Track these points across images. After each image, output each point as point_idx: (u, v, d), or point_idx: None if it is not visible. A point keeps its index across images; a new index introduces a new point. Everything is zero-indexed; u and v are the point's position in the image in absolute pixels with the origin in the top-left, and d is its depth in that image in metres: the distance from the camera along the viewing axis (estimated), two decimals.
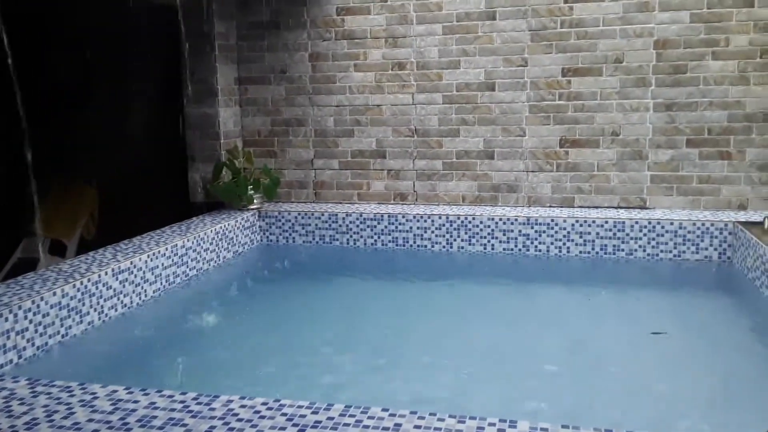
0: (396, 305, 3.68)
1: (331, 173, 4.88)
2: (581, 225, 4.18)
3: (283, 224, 4.70)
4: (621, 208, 4.35)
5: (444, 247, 4.43)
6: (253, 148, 4.93)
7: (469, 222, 4.37)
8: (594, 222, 4.16)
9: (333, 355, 2.90)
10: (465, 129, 4.57)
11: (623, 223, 4.11)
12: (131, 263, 3.30)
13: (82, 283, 2.94)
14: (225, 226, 4.26)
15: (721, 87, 4.11)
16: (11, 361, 2.54)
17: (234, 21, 4.82)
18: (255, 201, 4.68)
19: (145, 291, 3.41)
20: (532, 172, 4.50)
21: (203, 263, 3.98)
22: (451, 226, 4.40)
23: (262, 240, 4.72)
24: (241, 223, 4.47)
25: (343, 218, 4.58)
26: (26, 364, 2.60)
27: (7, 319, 2.51)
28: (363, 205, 4.75)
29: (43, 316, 2.71)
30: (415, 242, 4.48)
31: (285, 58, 4.82)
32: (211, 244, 4.08)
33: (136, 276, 3.33)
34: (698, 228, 4.01)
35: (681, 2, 4.10)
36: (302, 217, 4.65)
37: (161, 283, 3.55)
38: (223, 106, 4.78)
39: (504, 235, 4.32)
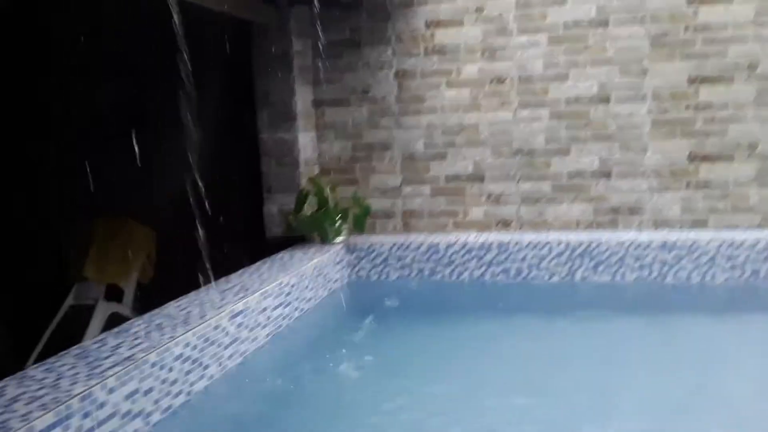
0: (528, 347, 3.15)
1: (421, 200, 4.38)
2: (728, 248, 3.69)
3: (374, 258, 4.17)
4: (763, 228, 3.88)
5: (565, 277, 3.91)
6: (331, 176, 4.44)
7: (594, 248, 3.87)
8: (742, 244, 3.67)
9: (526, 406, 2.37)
10: (577, 147, 4.11)
11: None
12: (245, 305, 2.76)
13: (202, 328, 2.40)
14: (320, 261, 3.73)
15: None
16: (136, 430, 1.98)
17: (309, 40, 4.39)
18: (342, 233, 4.17)
19: (257, 336, 2.86)
20: (657, 191, 4.03)
21: (304, 303, 3.44)
22: (572, 253, 3.89)
23: (351, 276, 4.18)
24: (332, 258, 3.94)
25: (445, 249, 4.07)
26: None
27: (133, 377, 1.96)
28: (465, 233, 4.24)
29: (169, 370, 2.16)
30: (529, 273, 3.96)
31: (367, 77, 4.37)
32: (310, 281, 3.55)
33: (249, 319, 2.79)
34: None
35: None
36: (397, 249, 4.13)
37: (271, 327, 3.00)
38: (302, 131, 4.30)
39: (636, 261, 3.82)
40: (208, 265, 3.56)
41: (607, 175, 4.09)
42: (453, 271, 4.06)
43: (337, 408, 2.54)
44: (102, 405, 1.78)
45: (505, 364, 2.94)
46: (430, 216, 4.38)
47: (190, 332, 2.31)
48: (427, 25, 4.24)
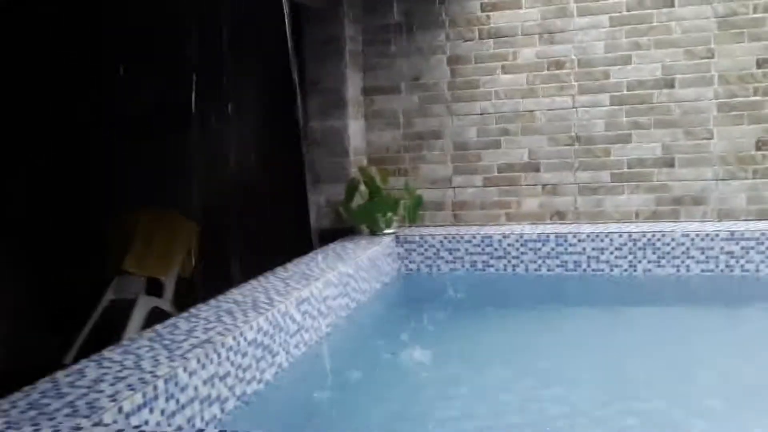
0: (600, 340, 3.00)
1: (473, 191, 4.24)
2: None
3: (426, 250, 4.04)
4: None
5: (626, 270, 3.75)
6: (379, 166, 4.31)
7: (658, 240, 3.70)
8: None
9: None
10: (638, 134, 3.95)
11: None
12: (310, 292, 2.64)
13: (273, 315, 2.28)
14: (373, 252, 3.61)
15: None
16: (215, 416, 1.86)
17: (360, 24, 4.27)
18: (392, 225, 4.04)
19: (320, 325, 2.74)
20: (723, 180, 3.86)
21: (360, 294, 3.32)
22: (634, 245, 3.73)
23: (401, 268, 4.05)
24: (383, 250, 3.82)
25: (500, 241, 3.92)
26: (231, 420, 1.93)
27: (212, 361, 1.85)
28: (518, 225, 4.10)
29: (243, 356, 2.04)
30: (589, 266, 3.80)
31: (419, 63, 4.25)
32: (366, 272, 3.43)
33: (313, 308, 2.67)
34: None
35: None
36: (449, 242, 3.99)
37: (332, 317, 2.88)
38: (352, 119, 4.19)
39: (702, 253, 3.65)
40: (253, 257, 3.48)
41: (671, 163, 3.92)
42: (507, 263, 3.92)
43: (405, 393, 2.43)
44: (184, 388, 1.67)
45: (566, 356, 2.78)
46: (482, 207, 4.24)
47: (262, 318, 2.20)
48: (483, 7, 4.11)
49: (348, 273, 3.16)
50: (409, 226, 4.17)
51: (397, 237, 4.03)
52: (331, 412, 2.24)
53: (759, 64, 3.74)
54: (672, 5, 3.83)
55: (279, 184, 4.27)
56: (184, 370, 1.69)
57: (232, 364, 1.96)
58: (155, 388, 1.52)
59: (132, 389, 1.48)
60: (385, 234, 4.01)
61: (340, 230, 4.14)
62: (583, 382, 2.47)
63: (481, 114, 4.17)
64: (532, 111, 4.09)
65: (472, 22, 4.13)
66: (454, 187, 4.27)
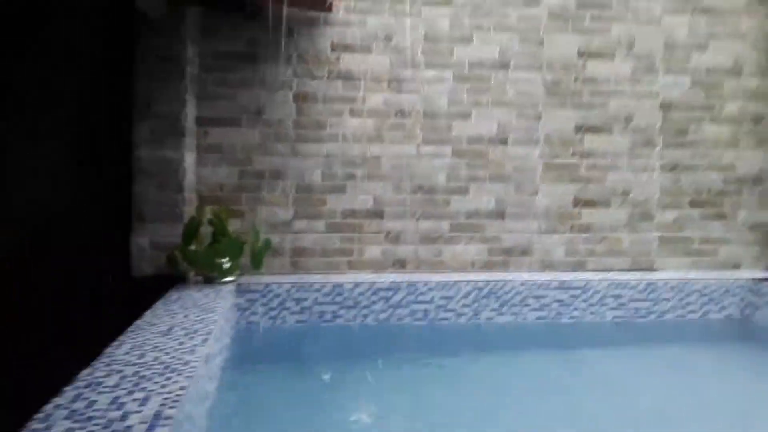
0: (442, 392, 3.02)
1: (315, 237, 4.02)
2: (616, 287, 3.95)
3: (270, 300, 3.69)
4: (632, 270, 4.23)
5: (471, 318, 3.85)
6: (211, 206, 3.87)
7: (500, 288, 3.87)
8: (628, 284, 3.96)
9: None
10: (475, 186, 4.12)
11: (655, 284, 3.98)
12: (209, 349, 2.19)
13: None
14: (225, 303, 3.17)
15: (716, 150, 4.30)
16: None
17: (197, 47, 3.83)
18: (233, 272, 3.62)
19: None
20: (546, 233, 4.20)
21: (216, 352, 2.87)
22: (479, 293, 3.85)
23: (240, 321, 3.64)
24: (225, 302, 3.39)
25: (351, 289, 3.76)
26: None
27: None
28: (372, 273, 3.98)
29: None
30: (437, 315, 3.82)
31: (262, 96, 3.94)
32: (223, 326, 2.99)
33: (209, 369, 2.21)
34: (722, 287, 4.03)
35: (683, 67, 4.25)
36: (297, 291, 3.71)
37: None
38: (189, 150, 3.71)
39: (537, 301, 3.90)
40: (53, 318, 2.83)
41: (502, 215, 4.16)
42: (357, 314, 3.76)
43: None
44: None
45: (415, 411, 2.74)
46: (323, 254, 4.04)
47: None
48: (333, 47, 3.98)
49: (218, 329, 2.71)
50: (242, 275, 3.78)
51: (238, 285, 3.62)
52: None
53: (577, 130, 4.19)
54: (508, 68, 4.12)
55: (90, 223, 3.57)
56: None
57: None
58: None
59: None
60: (224, 282, 3.58)
61: (166, 278, 3.59)
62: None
63: (327, 156, 4.00)
64: (378, 157, 4.04)
65: (322, 61, 3.97)
66: (294, 232, 4.00)
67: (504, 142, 4.13)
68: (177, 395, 1.67)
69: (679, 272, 4.17)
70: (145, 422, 1.48)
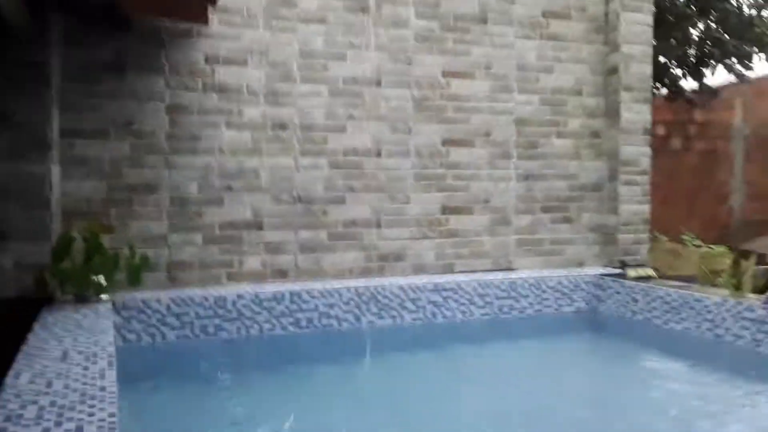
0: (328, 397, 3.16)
1: (192, 250, 3.95)
2: (483, 287, 4.28)
3: (148, 317, 3.58)
4: (493, 270, 4.60)
5: (352, 323, 3.98)
6: (78, 222, 3.67)
7: (379, 293, 4.04)
8: (492, 284, 4.30)
9: None
10: (352, 196, 4.27)
11: (515, 282, 4.36)
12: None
13: None
14: (107, 323, 3.05)
15: (562, 161, 4.80)
16: None
17: (62, 56, 3.63)
18: (108, 290, 3.47)
19: None
20: (417, 239, 4.44)
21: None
22: (360, 299, 4.00)
23: (115, 341, 3.48)
24: (108, 321, 3.25)
25: (234, 302, 3.74)
26: None
27: None
28: (250, 285, 3.97)
29: None
30: (320, 321, 3.91)
31: (132, 108, 3.81)
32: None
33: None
34: (571, 283, 4.51)
35: (533, 87, 4.70)
36: (177, 306, 3.63)
37: None
38: (55, 164, 3.50)
39: (413, 304, 4.12)
40: None
41: (378, 224, 4.34)
42: (241, 326, 3.75)
43: None
44: None
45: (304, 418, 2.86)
46: (201, 267, 3.98)
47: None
48: (207, 59, 3.94)
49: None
50: (129, 292, 3.64)
51: (114, 303, 3.47)
52: None
53: (443, 143, 4.48)
54: (380, 85, 4.32)
55: None
56: None
57: None
58: None
59: None
60: (98, 301, 3.42)
61: (32, 300, 3.36)
62: None
63: (203, 169, 3.95)
64: (255, 169, 4.06)
65: (196, 73, 3.92)
66: (170, 246, 3.90)
67: (378, 154, 4.33)
68: (110, 423, 1.63)
69: (534, 271, 4.60)
70: None
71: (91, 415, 1.74)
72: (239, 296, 3.75)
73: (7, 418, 1.70)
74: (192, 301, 3.67)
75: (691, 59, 7.29)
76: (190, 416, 2.85)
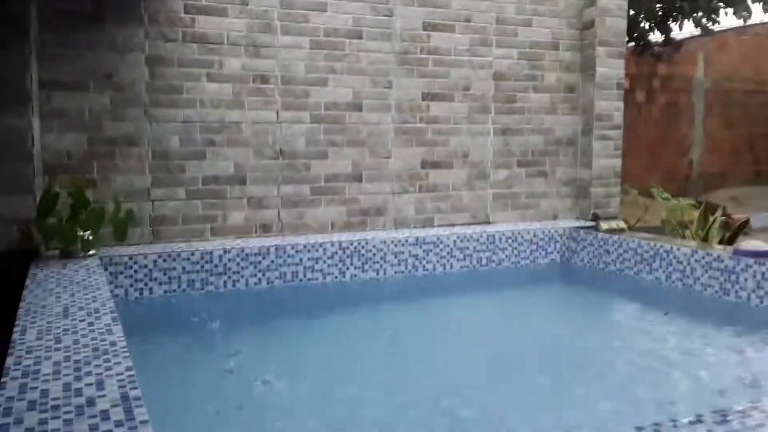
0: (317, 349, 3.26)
1: (175, 205, 3.93)
2: (462, 241, 4.38)
3: (136, 272, 3.59)
4: (471, 224, 4.70)
5: (336, 277, 4.05)
6: (59, 175, 3.61)
7: (362, 247, 4.11)
8: (471, 237, 4.41)
9: None
10: (334, 151, 4.28)
11: (494, 235, 4.48)
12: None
13: None
14: (89, 281, 3.05)
15: (538, 115, 4.87)
16: None
17: (38, 5, 3.49)
18: (95, 244, 3.45)
19: None
20: (398, 194, 4.50)
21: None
22: (344, 253, 4.06)
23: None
24: (101, 277, 3.24)
25: (220, 256, 3.76)
26: None
27: None
28: (234, 239, 3.99)
29: None
30: (305, 275, 3.97)
31: (112, 59, 3.71)
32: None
33: None
34: (546, 236, 4.65)
35: (511, 40, 4.73)
36: (164, 261, 3.64)
37: None
38: (36, 116, 3.41)
39: (396, 257, 4.21)
40: None
41: (359, 178, 4.37)
42: (227, 280, 3.79)
43: None
44: None
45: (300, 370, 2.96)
46: (185, 222, 3.97)
47: None
48: (187, 9, 3.85)
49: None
50: (114, 246, 3.62)
51: (101, 259, 3.45)
52: None
53: (424, 97, 4.50)
54: (361, 37, 4.29)
55: None
56: None
57: None
58: None
59: None
60: (85, 256, 3.40)
61: (16, 254, 3.33)
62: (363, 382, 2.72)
63: (184, 122, 3.90)
64: (238, 123, 4.03)
65: (176, 23, 3.83)
66: (153, 200, 3.87)
67: (359, 108, 4.33)
68: (129, 376, 1.67)
69: (510, 224, 4.72)
70: (117, 405, 1.49)
71: (108, 369, 1.77)
72: (225, 251, 3.78)
73: (25, 374, 1.72)
74: (179, 256, 3.67)
75: (659, 12, 7.40)
76: (183, 368, 2.91)
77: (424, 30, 4.46)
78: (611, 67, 4.91)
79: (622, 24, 4.94)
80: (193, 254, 3.70)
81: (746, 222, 5.14)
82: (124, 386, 1.60)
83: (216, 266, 3.75)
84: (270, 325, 3.61)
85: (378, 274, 4.16)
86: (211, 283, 3.75)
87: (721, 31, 8.63)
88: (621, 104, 4.98)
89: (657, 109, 9.14)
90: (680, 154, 9.49)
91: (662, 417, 2.00)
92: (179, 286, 3.68)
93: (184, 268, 3.69)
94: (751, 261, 3.43)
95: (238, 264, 3.81)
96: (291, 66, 4.12)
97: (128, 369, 1.74)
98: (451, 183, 4.65)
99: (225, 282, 3.78)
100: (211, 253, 3.74)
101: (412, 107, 4.48)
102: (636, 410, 2.40)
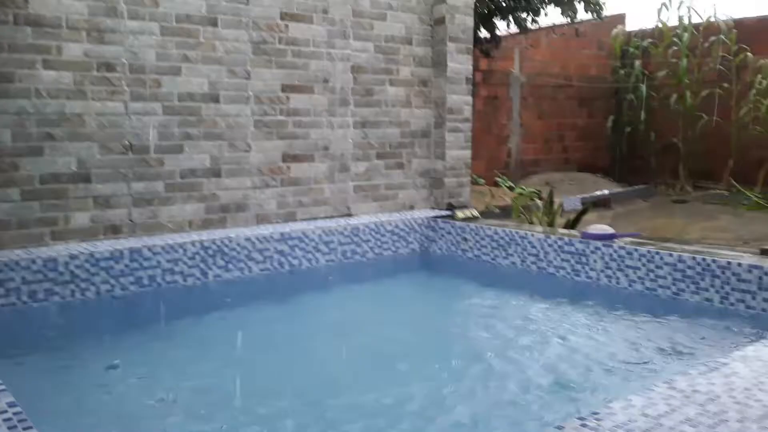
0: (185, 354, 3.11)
1: (8, 207, 3.49)
2: (327, 235, 4.33)
3: None
4: (333, 217, 4.67)
5: (199, 278, 3.83)
6: None
7: (226, 246, 3.92)
8: (336, 231, 4.38)
9: None
10: (190, 144, 4.03)
11: (357, 228, 4.48)
12: None
13: None
14: None
15: (395, 108, 4.95)
16: None
17: None
18: None
19: None
20: (259, 188, 4.34)
21: None
22: (206, 253, 3.85)
23: None
24: None
25: (66, 263, 3.40)
26: None
27: None
28: (80, 243, 3.62)
29: None
30: (164, 279, 3.71)
31: None
32: None
33: None
34: (406, 226, 4.74)
35: (368, 33, 4.74)
36: (0, 271, 3.21)
37: None
38: None
39: (261, 254, 4.06)
40: None
41: (218, 173, 4.16)
42: (75, 289, 3.43)
43: None
44: None
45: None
46: (20, 226, 3.54)
47: None
48: None
49: None
50: None
51: None
52: None
53: (283, 89, 4.38)
54: (216, 25, 4.07)
55: None
56: None
57: None
58: None
59: None
60: None
61: None
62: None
63: (18, 114, 3.46)
64: (80, 114, 3.65)
65: (5, 3, 3.37)
66: None
67: (216, 99, 4.11)
68: (16, 413, 1.44)
69: (372, 216, 4.76)
70: None
71: None
72: (72, 256, 3.42)
73: None
74: (17, 264, 3.26)
75: (485, 10, 7.85)
76: (35, 388, 2.60)
77: (282, 20, 4.33)
78: (461, 63, 5.10)
79: (470, 21, 5.15)
80: (33, 262, 3.31)
81: (560, 206, 5.57)
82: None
83: (61, 273, 3.38)
84: (125, 334, 3.31)
85: (243, 273, 4.00)
86: (57, 293, 3.38)
87: (533, 30, 9.34)
88: (470, 98, 5.20)
89: (480, 101, 9.67)
90: (500, 143, 10.15)
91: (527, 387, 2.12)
92: (19, 298, 3.27)
93: (23, 278, 3.28)
94: (599, 244, 3.74)
95: (87, 270, 3.46)
96: (140, 53, 3.81)
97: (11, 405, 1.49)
98: (312, 176, 4.58)
99: (72, 291, 3.42)
100: (55, 259, 3.36)
101: (271, 99, 4.34)
102: (499, 384, 2.54)
